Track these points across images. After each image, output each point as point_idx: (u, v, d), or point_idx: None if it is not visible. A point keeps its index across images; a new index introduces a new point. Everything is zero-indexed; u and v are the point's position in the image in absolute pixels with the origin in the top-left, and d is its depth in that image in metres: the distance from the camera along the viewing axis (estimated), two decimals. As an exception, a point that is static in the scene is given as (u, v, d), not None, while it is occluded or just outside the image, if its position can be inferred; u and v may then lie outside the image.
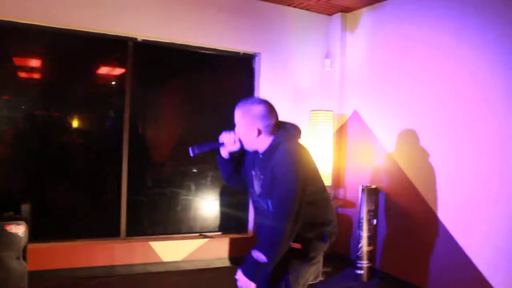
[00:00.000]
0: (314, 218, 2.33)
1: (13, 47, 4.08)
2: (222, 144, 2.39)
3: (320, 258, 2.40)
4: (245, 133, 2.31)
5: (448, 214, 3.78)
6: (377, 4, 4.56)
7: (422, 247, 3.98)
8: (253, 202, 2.50)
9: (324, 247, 2.37)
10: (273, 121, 2.31)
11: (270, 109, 2.31)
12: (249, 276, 2.08)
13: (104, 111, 4.47)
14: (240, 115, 2.32)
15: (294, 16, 4.89)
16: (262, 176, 2.34)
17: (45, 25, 3.90)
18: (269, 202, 2.26)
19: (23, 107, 4.24)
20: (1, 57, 4.01)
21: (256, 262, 2.08)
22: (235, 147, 2.39)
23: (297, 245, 2.25)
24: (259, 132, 2.28)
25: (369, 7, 4.67)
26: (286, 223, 2.14)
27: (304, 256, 2.29)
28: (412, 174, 4.13)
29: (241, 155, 2.51)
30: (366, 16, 4.74)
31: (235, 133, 2.36)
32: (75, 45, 4.20)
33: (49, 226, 4.13)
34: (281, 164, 2.20)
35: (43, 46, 4.14)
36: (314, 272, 2.38)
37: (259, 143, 2.32)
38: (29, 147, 4.14)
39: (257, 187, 2.38)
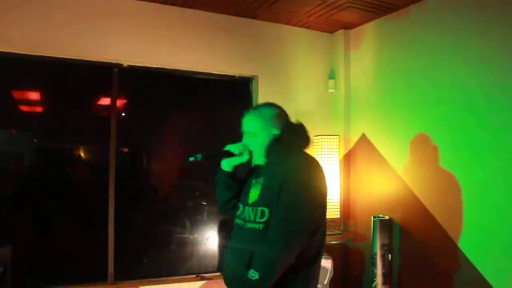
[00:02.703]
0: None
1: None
2: (228, 153, 2.13)
3: None
4: (262, 139, 2.07)
5: (473, 246, 3.31)
6: (381, 19, 4.21)
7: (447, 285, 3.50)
8: (237, 218, 2.15)
9: None
10: (287, 124, 2.13)
11: (284, 112, 2.17)
12: None
13: (90, 143, 4.16)
14: (254, 121, 2.10)
15: (293, 35, 4.56)
16: (264, 184, 2.03)
17: (29, 53, 3.63)
18: (265, 212, 1.95)
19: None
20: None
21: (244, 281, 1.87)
22: (243, 159, 2.14)
23: None
24: (276, 136, 2.06)
25: (372, 23, 4.33)
26: (283, 252, 1.88)
27: None
28: (429, 202, 3.68)
29: (244, 178, 2.22)
30: (370, 32, 4.39)
31: (243, 143, 2.14)
32: (60, 75, 3.93)
33: (31, 272, 3.76)
34: (293, 184, 1.92)
35: (29, 76, 3.87)
36: None
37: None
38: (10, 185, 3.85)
39: (253, 195, 2.07)
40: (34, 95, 4.10)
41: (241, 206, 2.15)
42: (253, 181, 2.14)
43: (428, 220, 3.66)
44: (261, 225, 1.95)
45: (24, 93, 4.06)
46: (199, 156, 2.10)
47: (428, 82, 3.74)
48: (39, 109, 4.16)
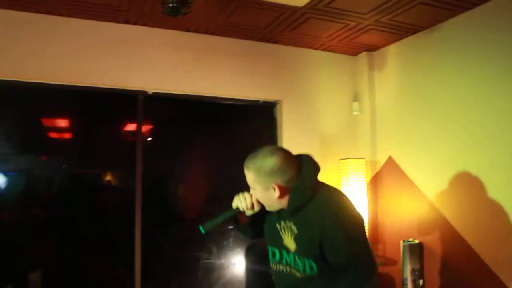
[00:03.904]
0: None
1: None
2: (237, 211, 2.03)
3: None
4: (263, 195, 1.95)
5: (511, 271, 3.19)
6: (405, 40, 4.18)
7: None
8: (278, 264, 2.08)
9: None
10: (293, 172, 1.91)
11: (285, 159, 1.91)
12: None
13: (117, 169, 4.20)
14: (252, 176, 1.94)
15: (315, 59, 4.57)
16: (293, 228, 1.95)
17: (53, 83, 3.69)
18: (312, 266, 1.88)
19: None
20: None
21: None
22: (255, 210, 2.02)
23: None
24: (281, 190, 1.90)
25: (396, 43, 4.30)
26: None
27: None
28: (461, 226, 3.56)
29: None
30: (394, 53, 4.36)
31: (251, 195, 2.01)
32: (87, 103, 4.01)
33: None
34: (336, 224, 1.84)
35: (58, 104, 3.96)
36: None
37: (284, 200, 1.94)
38: (41, 211, 3.90)
39: (288, 241, 1.98)
40: (63, 123, 4.19)
41: (276, 251, 2.08)
42: (279, 223, 2.04)
43: (461, 245, 3.54)
44: (313, 273, 1.91)
45: (53, 121, 4.15)
46: (208, 226, 2.02)
47: (456, 102, 3.66)
48: (67, 135, 4.24)
